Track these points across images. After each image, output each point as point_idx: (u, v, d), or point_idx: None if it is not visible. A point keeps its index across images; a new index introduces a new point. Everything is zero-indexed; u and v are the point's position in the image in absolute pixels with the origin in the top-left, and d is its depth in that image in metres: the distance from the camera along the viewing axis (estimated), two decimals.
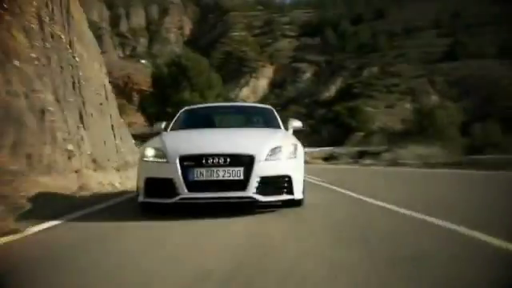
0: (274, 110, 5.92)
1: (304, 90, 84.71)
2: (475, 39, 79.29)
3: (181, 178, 3.91)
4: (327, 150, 48.49)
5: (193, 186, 3.92)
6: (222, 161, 3.94)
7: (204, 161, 3.94)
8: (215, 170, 3.92)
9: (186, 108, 6.12)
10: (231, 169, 3.95)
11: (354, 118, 60.02)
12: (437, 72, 72.85)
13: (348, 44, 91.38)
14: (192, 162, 3.96)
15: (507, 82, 65.29)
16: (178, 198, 3.93)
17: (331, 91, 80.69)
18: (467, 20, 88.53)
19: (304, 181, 4.44)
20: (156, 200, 4.13)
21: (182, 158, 3.98)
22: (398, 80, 72.55)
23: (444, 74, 71.97)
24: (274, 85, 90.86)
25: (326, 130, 62.10)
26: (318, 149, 46.78)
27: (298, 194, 4.25)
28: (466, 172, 12.49)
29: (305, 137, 60.32)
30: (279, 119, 5.58)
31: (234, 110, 6.96)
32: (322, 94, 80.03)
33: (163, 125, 5.36)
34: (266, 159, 4.06)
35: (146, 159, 4.28)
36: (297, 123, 5.44)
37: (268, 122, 5.56)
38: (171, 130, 5.33)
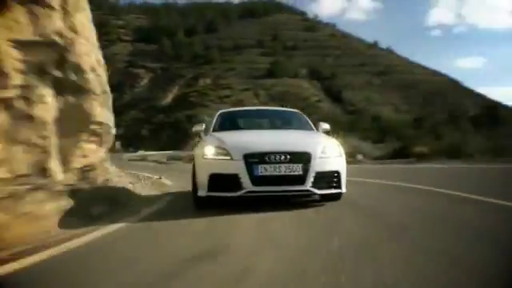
0: (303, 114, 6.46)
1: (141, 96, 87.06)
2: (291, 60, 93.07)
3: (246, 173, 4.30)
4: (169, 153, 52.57)
5: (257, 180, 4.30)
6: (283, 158, 4.33)
7: (267, 158, 4.32)
8: (278, 166, 4.31)
9: (222, 111, 6.58)
10: (291, 165, 4.35)
11: (192, 125, 66.10)
12: (260, 87, 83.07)
13: (183, 54, 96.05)
14: (256, 159, 4.33)
15: (315, 100, 79.85)
16: (243, 191, 4.32)
17: (168, 98, 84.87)
18: (284, 43, 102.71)
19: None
20: (220, 194, 4.47)
21: (247, 156, 4.35)
22: (229, 92, 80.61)
23: (266, 89, 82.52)
24: (111, 89, 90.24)
25: (165, 134, 66.82)
26: (161, 152, 49.86)
27: (344, 188, 4.73)
28: None
29: (145, 141, 62.99)
30: (310, 122, 6.12)
31: (266, 113, 7.23)
32: (160, 101, 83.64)
33: (203, 126, 5.83)
34: (320, 157, 4.50)
35: (207, 157, 4.59)
36: (325, 126, 5.87)
37: (302, 125, 6.03)
38: (213, 131, 5.71)
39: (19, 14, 4.18)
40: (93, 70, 5.38)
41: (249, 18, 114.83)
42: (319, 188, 4.45)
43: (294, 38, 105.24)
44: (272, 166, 4.29)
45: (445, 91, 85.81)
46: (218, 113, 6.39)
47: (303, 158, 4.40)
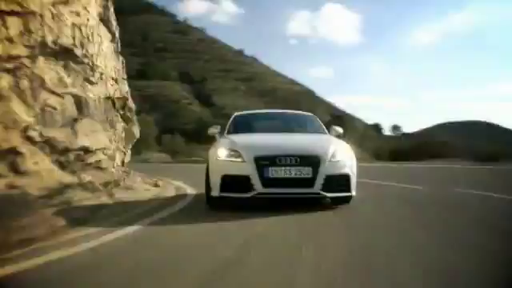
0: (317, 118, 6.45)
1: None
2: (162, 62, 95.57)
3: (257, 175, 4.46)
4: None
5: (267, 182, 4.46)
6: (293, 161, 4.48)
7: (278, 161, 4.48)
8: (288, 168, 4.46)
9: (238, 114, 6.62)
10: (301, 168, 4.49)
11: None
12: (132, 88, 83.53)
13: None
14: (267, 161, 4.49)
15: (186, 102, 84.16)
16: (254, 192, 4.47)
17: None
18: (155, 44, 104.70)
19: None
20: (232, 194, 4.65)
21: (258, 158, 4.51)
22: None
23: (138, 90, 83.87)
24: None
25: None
26: None
27: (354, 191, 4.79)
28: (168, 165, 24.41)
29: None
30: (323, 125, 6.18)
31: (280, 116, 7.17)
32: None
33: (218, 129, 5.95)
34: (329, 160, 4.59)
35: (220, 159, 4.75)
36: (338, 129, 5.90)
37: (315, 128, 6.13)
38: (228, 133, 5.83)
39: (110, 83, 8.34)
40: (134, 108, 9.58)
41: (117, 16, 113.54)
42: (329, 191, 4.56)
43: (165, 39, 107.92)
44: (282, 168, 4.47)
45: (301, 99, 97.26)
46: (233, 115, 6.54)
47: (313, 161, 4.54)
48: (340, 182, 4.64)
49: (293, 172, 4.47)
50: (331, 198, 4.84)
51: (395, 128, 78.95)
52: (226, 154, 4.73)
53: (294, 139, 5.36)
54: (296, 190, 4.54)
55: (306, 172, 4.48)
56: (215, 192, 4.70)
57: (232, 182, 4.59)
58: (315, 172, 4.49)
